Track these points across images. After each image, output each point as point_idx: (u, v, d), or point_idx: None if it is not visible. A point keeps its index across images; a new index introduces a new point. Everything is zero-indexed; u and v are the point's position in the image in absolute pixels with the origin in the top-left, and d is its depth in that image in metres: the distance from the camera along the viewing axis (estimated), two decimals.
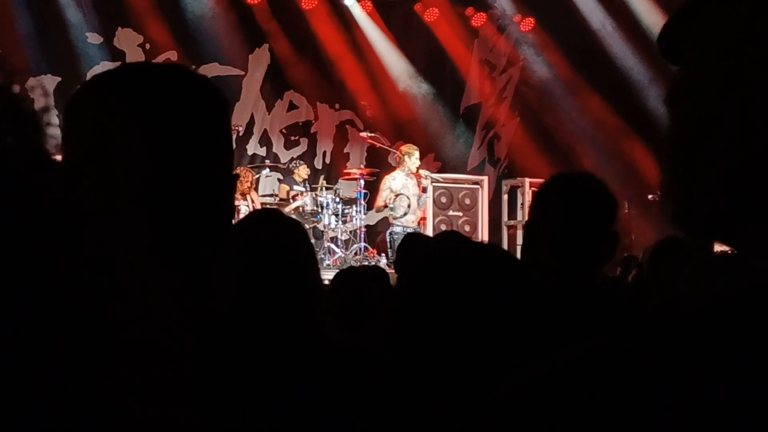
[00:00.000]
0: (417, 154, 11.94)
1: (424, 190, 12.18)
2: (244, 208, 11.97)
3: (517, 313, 1.63)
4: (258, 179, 13.92)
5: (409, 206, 11.77)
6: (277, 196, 13.47)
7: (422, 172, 12.16)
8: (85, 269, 0.64)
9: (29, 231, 0.62)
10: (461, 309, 1.62)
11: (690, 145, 0.78)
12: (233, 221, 1.43)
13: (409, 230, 10.95)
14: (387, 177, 11.97)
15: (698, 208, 0.77)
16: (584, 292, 2.65)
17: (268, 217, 2.46)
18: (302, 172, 13.24)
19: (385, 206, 11.71)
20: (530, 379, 0.73)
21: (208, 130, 1.33)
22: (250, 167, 13.48)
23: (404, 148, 12.13)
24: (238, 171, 12.26)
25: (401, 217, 11.68)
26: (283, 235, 2.30)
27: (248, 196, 12.07)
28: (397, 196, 11.67)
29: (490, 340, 1.59)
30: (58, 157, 1.10)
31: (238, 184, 11.98)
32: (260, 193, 14.02)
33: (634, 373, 0.69)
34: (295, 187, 12.98)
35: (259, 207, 12.20)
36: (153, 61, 13.75)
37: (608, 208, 2.73)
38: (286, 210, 12.23)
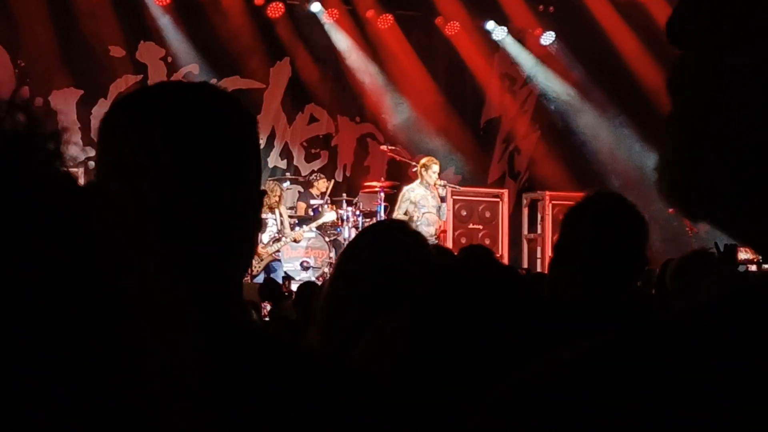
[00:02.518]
0: (436, 167, 11.93)
1: (443, 199, 12.15)
2: (271, 222, 11.98)
3: (523, 328, 1.65)
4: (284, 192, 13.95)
5: (431, 224, 11.78)
6: (295, 209, 13.50)
7: (437, 182, 12.12)
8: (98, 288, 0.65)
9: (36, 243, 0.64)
10: (469, 322, 1.64)
11: (692, 126, 0.78)
12: (258, 236, 1.45)
13: None
14: (406, 188, 11.98)
15: (696, 188, 0.78)
16: (608, 308, 2.64)
17: (400, 228, 2.55)
18: (321, 185, 13.24)
19: (409, 219, 11.70)
20: (530, 375, 0.74)
21: (236, 149, 1.34)
22: (276, 179, 13.49)
23: (423, 160, 12.15)
24: (266, 184, 12.30)
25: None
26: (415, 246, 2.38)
27: (276, 210, 12.07)
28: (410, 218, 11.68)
29: (495, 353, 1.61)
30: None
31: (266, 199, 11.97)
32: None
33: (627, 371, 0.69)
34: (313, 201, 12.98)
35: (287, 220, 12.21)
36: (174, 74, 13.91)
37: (640, 232, 2.73)
38: (312, 225, 12.23)
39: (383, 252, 2.34)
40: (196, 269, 1.22)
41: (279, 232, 11.97)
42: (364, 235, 2.49)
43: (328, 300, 2.38)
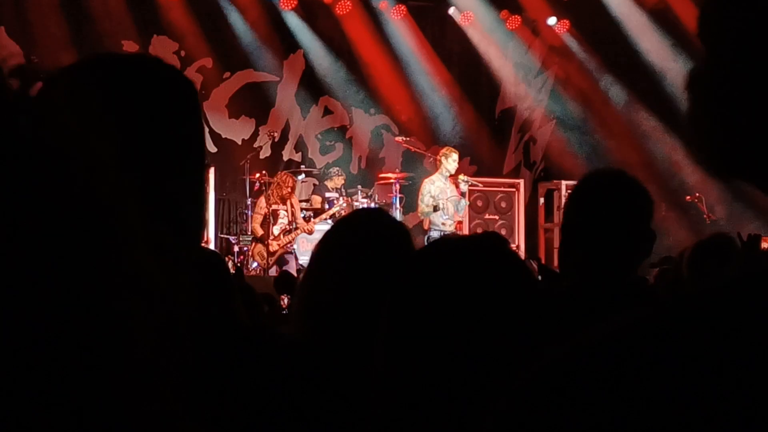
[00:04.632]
0: (455, 156, 11.89)
1: (463, 194, 12.11)
2: (282, 213, 11.97)
3: (509, 309, 1.61)
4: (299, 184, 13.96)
5: (449, 217, 11.74)
6: (310, 201, 13.48)
7: (460, 177, 12.09)
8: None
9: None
10: (450, 301, 1.61)
11: (721, 73, 0.74)
12: (202, 218, 1.41)
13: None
14: (426, 181, 11.94)
15: (729, 146, 0.74)
16: (618, 291, 2.62)
17: (374, 216, 2.50)
18: (337, 181, 13.22)
19: (435, 208, 11.64)
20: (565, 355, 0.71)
21: (174, 119, 1.30)
22: (291, 171, 13.49)
23: (443, 150, 12.12)
24: (278, 175, 12.31)
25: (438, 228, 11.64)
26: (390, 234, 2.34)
27: (288, 201, 12.06)
28: (435, 208, 11.63)
29: (482, 337, 1.57)
30: None
31: (277, 190, 12.00)
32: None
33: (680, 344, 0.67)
34: (328, 194, 12.97)
35: (298, 212, 12.19)
36: (188, 68, 13.91)
37: (643, 205, 2.71)
38: (324, 217, 12.18)
39: (357, 241, 2.29)
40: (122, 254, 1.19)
41: (290, 223, 11.96)
42: (339, 224, 2.43)
43: (303, 290, 2.34)
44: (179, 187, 1.28)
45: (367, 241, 2.28)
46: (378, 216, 2.50)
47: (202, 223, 1.39)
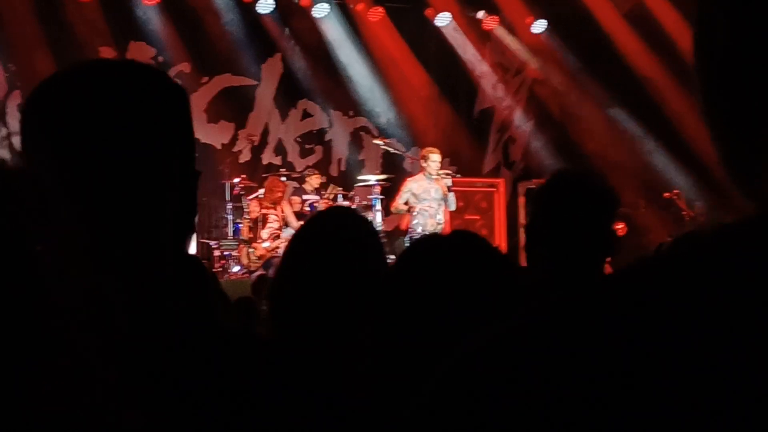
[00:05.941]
0: (434, 156, 11.78)
1: (449, 189, 12.00)
2: (272, 217, 11.95)
3: (491, 301, 1.62)
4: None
5: (431, 216, 11.69)
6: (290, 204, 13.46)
7: (440, 172, 12.03)
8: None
9: None
10: (435, 296, 1.62)
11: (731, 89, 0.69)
12: (195, 221, 1.44)
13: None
14: (409, 180, 11.86)
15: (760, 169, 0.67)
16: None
17: (342, 213, 2.51)
18: (314, 181, 13.19)
19: (409, 208, 11.60)
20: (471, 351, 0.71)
21: (165, 126, 1.32)
22: (272, 175, 13.43)
23: (423, 151, 12.06)
24: (269, 180, 12.30)
25: (420, 228, 11.58)
26: (355, 229, 2.34)
27: (279, 206, 12.05)
28: (411, 209, 11.58)
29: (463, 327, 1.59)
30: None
31: (269, 194, 11.98)
32: None
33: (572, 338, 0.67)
34: (305, 197, 12.94)
35: (291, 215, 12.14)
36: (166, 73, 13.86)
37: (604, 207, 2.73)
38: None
39: (328, 240, 2.31)
40: (118, 251, 1.21)
41: (280, 228, 11.93)
42: (308, 224, 2.44)
43: (274, 290, 2.34)
44: (170, 192, 1.29)
45: (337, 240, 2.29)
46: (346, 214, 2.51)
47: (192, 229, 1.41)
